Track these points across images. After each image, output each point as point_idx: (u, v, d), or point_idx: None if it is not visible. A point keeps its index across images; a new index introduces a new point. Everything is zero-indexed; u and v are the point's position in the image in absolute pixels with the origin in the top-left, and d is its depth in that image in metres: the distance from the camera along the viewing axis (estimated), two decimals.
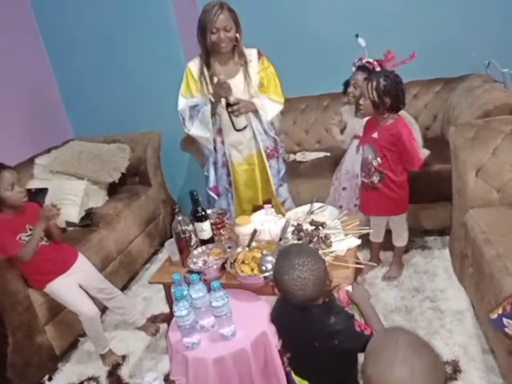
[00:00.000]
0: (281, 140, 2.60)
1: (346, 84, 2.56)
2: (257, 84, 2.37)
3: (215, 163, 2.48)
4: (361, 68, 2.47)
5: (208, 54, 2.27)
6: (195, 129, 2.34)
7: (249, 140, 2.41)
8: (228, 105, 2.25)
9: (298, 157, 3.25)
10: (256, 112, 2.36)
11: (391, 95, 2.10)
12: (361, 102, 2.21)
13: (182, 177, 3.57)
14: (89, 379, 2.22)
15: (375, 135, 2.23)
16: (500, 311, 1.39)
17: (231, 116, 2.28)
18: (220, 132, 2.41)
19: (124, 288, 2.86)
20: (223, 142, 2.43)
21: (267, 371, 1.77)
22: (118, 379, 2.18)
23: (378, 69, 2.38)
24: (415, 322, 2.17)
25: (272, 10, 3.29)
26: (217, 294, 1.64)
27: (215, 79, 2.26)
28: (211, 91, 2.29)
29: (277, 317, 1.47)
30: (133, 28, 3.25)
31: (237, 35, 2.24)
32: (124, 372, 2.22)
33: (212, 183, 2.53)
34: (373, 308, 1.48)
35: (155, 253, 3.21)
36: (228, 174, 2.50)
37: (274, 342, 1.83)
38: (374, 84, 2.11)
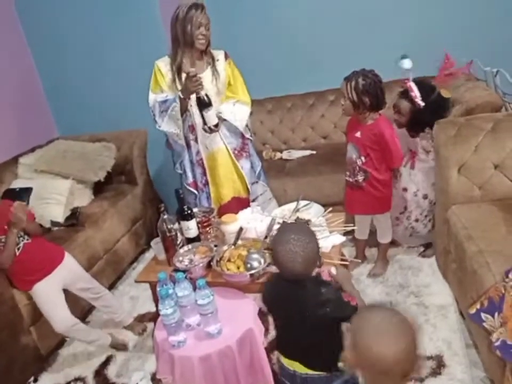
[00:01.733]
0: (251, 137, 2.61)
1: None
2: (225, 81, 2.41)
3: (191, 161, 2.49)
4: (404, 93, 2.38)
5: (183, 49, 2.30)
6: (165, 125, 2.35)
7: (214, 135, 2.41)
8: (198, 100, 2.25)
9: (285, 155, 3.27)
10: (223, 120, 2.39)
11: (370, 95, 2.12)
12: (341, 102, 2.22)
13: (169, 175, 3.55)
14: (76, 379, 2.21)
15: (357, 134, 2.25)
16: (478, 306, 1.42)
17: (202, 112, 2.28)
18: (192, 129, 2.41)
19: (111, 287, 2.84)
20: (196, 140, 2.43)
21: (253, 368, 1.79)
22: (105, 379, 2.17)
23: (417, 97, 2.28)
24: None
25: (255, 9, 3.29)
26: (203, 292, 1.64)
27: (184, 76, 2.28)
28: (179, 86, 2.30)
29: (270, 293, 1.53)
30: (119, 25, 3.22)
31: (209, 33, 2.32)
32: (110, 371, 2.21)
33: (190, 179, 2.52)
34: (354, 287, 1.57)
35: (142, 252, 3.20)
36: (204, 173, 2.50)
37: (261, 339, 1.85)
38: (353, 83, 2.12)
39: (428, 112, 2.26)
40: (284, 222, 1.78)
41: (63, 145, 3.21)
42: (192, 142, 2.44)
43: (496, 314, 1.37)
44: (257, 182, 2.62)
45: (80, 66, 3.43)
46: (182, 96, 2.27)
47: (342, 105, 2.22)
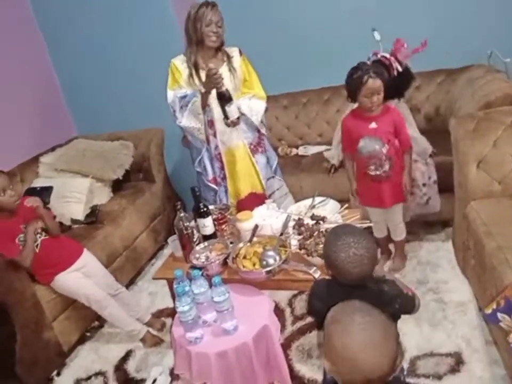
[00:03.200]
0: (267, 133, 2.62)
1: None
2: (241, 77, 2.42)
3: (209, 156, 2.51)
4: (377, 62, 2.37)
5: (196, 47, 2.31)
6: (186, 120, 2.37)
7: (231, 131, 2.43)
8: (220, 95, 2.26)
9: (300, 151, 3.26)
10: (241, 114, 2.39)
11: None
12: (374, 99, 2.13)
13: (186, 173, 3.58)
14: (97, 374, 2.26)
15: (372, 126, 2.22)
16: (494, 306, 1.38)
17: (225, 107, 2.28)
18: (211, 124, 2.43)
19: (130, 283, 2.90)
20: (215, 135, 2.45)
21: (269, 364, 1.80)
22: (125, 373, 2.22)
23: (395, 64, 2.31)
24: (418, 314, 2.14)
25: (267, 5, 3.27)
26: (219, 289, 1.66)
27: (201, 72, 2.30)
28: (198, 82, 2.33)
29: (324, 302, 1.37)
30: (133, 24, 3.26)
31: (223, 34, 2.34)
32: (130, 366, 2.26)
33: (210, 175, 2.54)
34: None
35: (160, 248, 3.24)
36: (222, 167, 2.52)
37: (277, 336, 1.86)
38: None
39: (400, 80, 2.25)
40: (333, 227, 1.60)
41: (82, 144, 3.27)
42: (211, 137, 2.46)
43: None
44: (273, 177, 2.62)
45: (96, 66, 3.48)
46: (203, 91, 2.29)
47: (374, 102, 2.14)
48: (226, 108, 2.28)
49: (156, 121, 3.36)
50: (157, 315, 2.56)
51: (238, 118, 2.35)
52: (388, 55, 2.34)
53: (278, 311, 2.36)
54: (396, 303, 1.33)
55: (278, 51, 3.34)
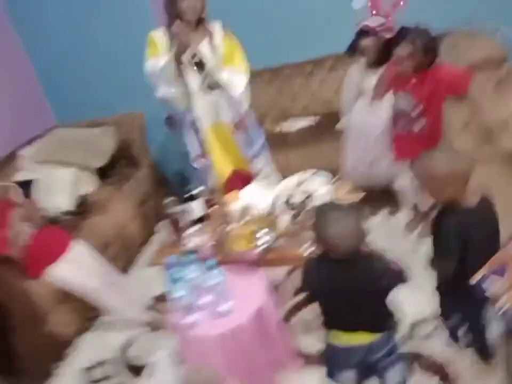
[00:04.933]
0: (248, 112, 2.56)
1: (353, 49, 2.45)
2: (223, 52, 2.38)
3: (194, 130, 2.47)
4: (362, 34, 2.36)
5: (173, 22, 2.25)
6: (164, 90, 2.34)
7: (215, 108, 2.40)
8: (197, 63, 2.25)
9: (285, 126, 3.21)
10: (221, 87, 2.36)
11: (433, 52, 2.07)
12: (406, 63, 2.10)
13: (173, 155, 3.53)
14: (100, 363, 2.26)
15: (412, 81, 2.16)
16: (480, 276, 1.37)
17: (202, 72, 2.28)
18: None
19: (125, 270, 2.87)
20: (192, 110, 2.41)
21: (269, 342, 1.82)
22: (127, 360, 2.23)
23: (380, 28, 2.28)
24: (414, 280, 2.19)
25: None
26: (213, 272, 1.66)
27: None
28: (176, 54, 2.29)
29: (316, 278, 1.45)
30: (106, 7, 3.16)
31: (203, 7, 2.28)
32: (132, 352, 2.26)
33: (195, 151, 2.51)
34: None
35: (153, 233, 3.21)
36: (204, 145, 2.49)
37: (276, 313, 1.88)
38: (419, 44, 2.04)
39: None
40: (320, 205, 1.66)
41: (63, 134, 3.19)
42: (190, 114, 2.43)
43: (500, 280, 1.32)
44: (258, 155, 2.59)
45: (71, 52, 3.37)
46: (176, 56, 2.26)
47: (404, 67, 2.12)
48: (204, 73, 2.27)
49: (137, 105, 3.28)
50: (159, 298, 2.54)
51: (216, 84, 2.32)
52: (369, 23, 2.29)
53: (276, 286, 2.37)
54: (385, 279, 1.38)
55: (258, 25, 3.24)
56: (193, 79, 2.33)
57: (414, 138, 2.23)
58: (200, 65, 2.29)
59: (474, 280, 1.30)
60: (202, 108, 2.41)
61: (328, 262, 1.39)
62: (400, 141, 2.34)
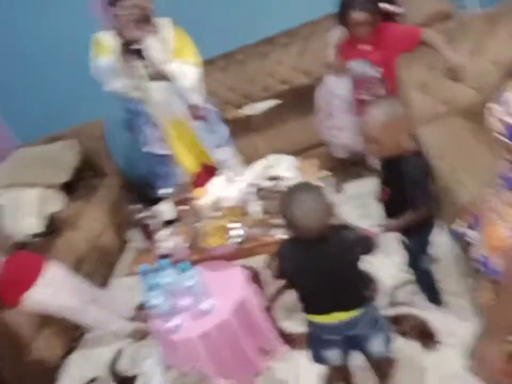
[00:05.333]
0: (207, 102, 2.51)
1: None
2: (173, 48, 2.31)
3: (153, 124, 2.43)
4: None
5: (119, 25, 2.20)
6: (113, 83, 2.29)
7: (168, 102, 2.35)
8: (138, 51, 2.20)
9: (248, 110, 3.16)
10: (171, 80, 2.30)
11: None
12: (360, 31, 2.10)
13: (137, 159, 3.47)
14: (91, 381, 2.23)
15: (366, 48, 2.16)
16: (461, 222, 1.41)
17: (146, 60, 2.23)
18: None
19: (105, 282, 2.83)
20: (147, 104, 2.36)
21: (255, 332, 1.81)
22: (119, 373, 2.20)
23: None
24: (389, 245, 2.19)
25: None
26: (188, 273, 1.64)
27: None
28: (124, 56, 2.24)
29: (290, 261, 1.43)
30: (47, 16, 3.05)
31: (147, 4, 2.21)
32: (123, 365, 2.23)
33: (157, 148, 2.46)
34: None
35: (128, 240, 3.16)
36: (166, 139, 2.44)
37: (258, 302, 1.86)
38: (371, 6, 2.04)
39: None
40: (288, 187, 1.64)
41: (23, 154, 3.11)
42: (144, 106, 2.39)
43: (477, 228, 1.36)
44: (223, 146, 2.54)
45: (21, 67, 3.27)
46: (120, 49, 2.22)
47: (362, 34, 2.11)
48: (147, 61, 2.21)
49: (95, 112, 3.19)
50: (139, 308, 2.52)
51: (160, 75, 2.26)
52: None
53: (255, 274, 2.36)
54: (357, 247, 1.38)
55: (204, 11, 3.17)
56: (140, 69, 2.28)
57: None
58: (140, 54, 2.23)
59: (454, 227, 1.34)
60: (157, 104, 2.35)
61: (300, 243, 1.38)
62: (363, 108, 2.31)
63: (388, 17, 2.21)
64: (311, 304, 1.47)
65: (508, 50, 1.94)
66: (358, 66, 2.19)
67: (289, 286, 2.10)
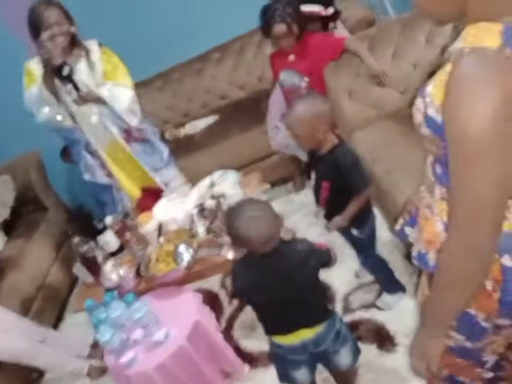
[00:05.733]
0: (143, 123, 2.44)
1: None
2: (102, 70, 2.26)
3: (90, 153, 2.37)
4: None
5: (45, 50, 2.12)
6: (43, 113, 2.22)
7: (102, 125, 2.30)
8: (61, 74, 2.14)
9: (188, 129, 3.14)
10: (104, 103, 2.25)
11: (303, 17, 2.09)
12: (283, 43, 2.12)
13: (80, 188, 3.35)
14: None
15: (290, 59, 2.18)
16: (401, 221, 1.44)
17: (68, 82, 2.17)
18: (73, 118, 2.28)
19: (57, 321, 2.71)
20: (81, 131, 2.30)
21: (214, 354, 1.79)
22: None
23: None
24: (341, 251, 2.22)
25: None
26: (135, 305, 1.60)
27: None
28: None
29: (245, 279, 1.38)
30: None
31: (71, 29, 2.16)
32: None
33: (98, 175, 2.40)
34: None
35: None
36: (104, 166, 2.38)
37: (213, 324, 1.84)
38: (289, 18, 2.04)
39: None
40: (229, 205, 1.67)
41: None
42: (79, 134, 2.32)
43: (415, 225, 1.40)
44: (165, 167, 2.51)
45: None
46: (45, 75, 2.15)
47: (284, 46, 2.13)
48: (74, 78, 2.16)
49: (30, 143, 3.06)
50: (95, 344, 2.42)
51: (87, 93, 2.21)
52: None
53: (212, 296, 2.34)
54: (311, 258, 1.35)
55: (136, 33, 3.13)
56: (67, 94, 2.21)
57: None
58: (68, 78, 2.17)
59: (397, 227, 1.35)
60: (90, 128, 2.29)
61: (252, 260, 1.35)
62: None
63: (324, 20, 2.25)
64: (272, 324, 1.43)
65: (427, 53, 2.04)
66: (286, 77, 2.23)
67: (245, 305, 2.11)
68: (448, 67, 0.76)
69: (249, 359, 1.92)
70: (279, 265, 1.33)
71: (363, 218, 1.71)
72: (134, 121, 2.32)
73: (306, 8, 2.19)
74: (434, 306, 0.90)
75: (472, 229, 0.76)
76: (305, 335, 1.39)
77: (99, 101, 2.23)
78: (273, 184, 2.67)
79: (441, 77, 0.77)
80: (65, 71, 2.14)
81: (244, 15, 2.63)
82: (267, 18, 2.08)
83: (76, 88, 2.19)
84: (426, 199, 0.98)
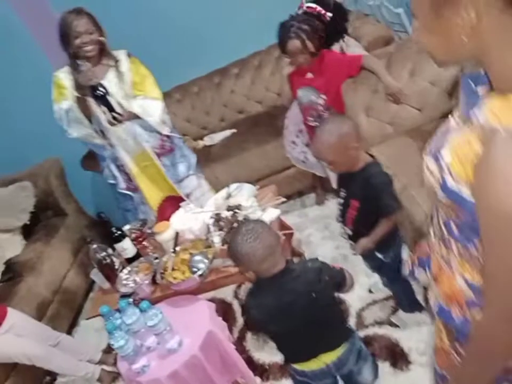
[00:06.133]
0: (172, 132, 2.50)
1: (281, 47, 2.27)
2: (131, 81, 2.30)
3: (117, 165, 2.42)
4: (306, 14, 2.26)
5: (74, 60, 2.17)
6: (75, 131, 2.28)
7: (133, 137, 2.34)
8: (97, 95, 2.18)
9: (207, 141, 3.19)
10: (136, 118, 2.30)
11: (321, 35, 2.09)
12: (299, 60, 2.13)
13: (99, 195, 3.41)
14: None
15: (309, 76, 2.20)
16: (410, 264, 1.38)
17: (104, 103, 2.22)
18: (103, 134, 2.32)
19: (72, 325, 2.75)
20: (111, 145, 2.34)
21: (226, 365, 1.79)
22: None
23: (323, 10, 2.22)
24: (354, 266, 2.23)
25: (132, 8, 3.12)
26: (149, 313, 1.61)
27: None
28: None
29: (262, 308, 1.33)
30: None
31: (101, 38, 2.20)
32: None
33: (122, 183, 2.45)
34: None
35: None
36: (130, 179, 2.43)
37: (225, 335, 1.85)
38: (304, 35, 2.05)
39: (334, 21, 2.21)
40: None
41: None
42: (108, 147, 2.36)
43: (427, 268, 1.34)
44: (190, 175, 2.54)
45: None
46: (78, 95, 2.19)
47: (300, 63, 2.14)
48: (108, 98, 2.20)
49: (51, 150, 3.14)
50: (107, 350, 2.45)
51: (120, 114, 2.25)
52: (312, 4, 2.24)
53: (225, 306, 2.35)
54: (324, 276, 1.32)
55: (156, 46, 3.21)
56: (101, 114, 2.25)
57: None
58: (103, 98, 2.22)
59: (405, 272, 1.30)
60: (120, 142, 2.32)
61: (266, 284, 1.31)
62: (313, 133, 2.37)
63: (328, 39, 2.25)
64: (293, 352, 1.39)
65: (444, 71, 2.05)
66: (304, 94, 2.26)
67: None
68: (472, 140, 0.70)
69: (261, 371, 1.92)
70: (291, 285, 1.29)
71: (389, 242, 1.65)
72: (165, 130, 2.38)
73: (307, 4, 2.23)
74: (468, 379, 0.88)
75: (509, 301, 0.74)
76: (328, 358, 1.36)
77: (132, 118, 2.28)
78: (289, 198, 2.69)
79: (464, 150, 0.71)
80: (100, 92, 2.19)
81: (263, 31, 2.69)
82: (282, 34, 2.12)
83: (111, 109, 2.23)
84: (440, 249, 0.93)
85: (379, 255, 1.68)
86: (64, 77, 2.25)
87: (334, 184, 2.40)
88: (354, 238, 1.67)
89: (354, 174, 1.54)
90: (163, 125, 2.39)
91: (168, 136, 2.45)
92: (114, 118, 2.25)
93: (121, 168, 2.42)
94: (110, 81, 2.25)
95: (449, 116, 0.84)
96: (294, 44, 2.07)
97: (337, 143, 1.46)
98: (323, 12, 2.21)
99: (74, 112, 2.22)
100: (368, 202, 1.53)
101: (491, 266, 0.75)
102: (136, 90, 2.33)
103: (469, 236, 0.79)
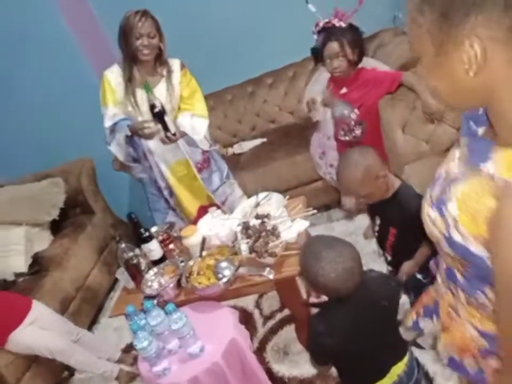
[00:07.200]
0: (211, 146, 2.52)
1: (317, 52, 2.28)
2: (179, 95, 2.32)
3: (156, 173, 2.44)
4: (324, 31, 2.25)
5: (130, 61, 2.20)
6: (113, 148, 2.32)
7: (168, 150, 2.35)
8: (156, 113, 2.17)
9: (236, 149, 3.21)
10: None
11: (361, 47, 2.11)
12: (335, 64, 2.13)
13: (127, 196, 3.46)
14: None
15: (343, 91, 2.21)
16: (414, 317, 1.34)
17: (162, 123, 2.20)
18: (145, 157, 2.37)
19: (92, 323, 2.78)
20: (151, 167, 2.39)
21: (246, 375, 1.77)
22: None
23: (338, 24, 2.20)
24: None
25: (172, 12, 3.17)
26: (174, 315, 1.60)
27: (138, 91, 2.22)
28: (132, 100, 2.23)
29: (335, 336, 1.23)
30: (32, 55, 3.07)
31: (160, 44, 2.21)
32: None
33: (157, 183, 2.47)
34: None
35: (117, 279, 3.11)
36: (167, 186, 2.45)
37: (247, 344, 1.83)
38: (346, 41, 2.07)
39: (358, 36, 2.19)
40: (304, 247, 1.38)
41: (8, 192, 3.08)
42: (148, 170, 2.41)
43: (434, 317, 1.20)
44: (224, 183, 2.57)
45: (8, 107, 3.25)
46: (129, 133, 2.23)
47: (336, 68, 2.14)
48: (166, 119, 2.18)
49: (84, 150, 3.21)
50: (126, 349, 2.46)
51: (175, 134, 2.24)
52: (328, 20, 2.22)
53: (247, 315, 2.34)
54: (389, 282, 1.34)
55: (193, 53, 3.25)
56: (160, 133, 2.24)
57: (357, 144, 2.26)
58: (159, 116, 2.18)
59: (408, 324, 1.26)
60: (162, 152, 2.35)
61: (338, 306, 1.22)
62: (344, 148, 2.36)
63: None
64: (368, 373, 1.30)
65: None
66: (338, 107, 2.25)
67: (279, 328, 2.06)
68: (483, 192, 0.68)
69: (281, 382, 1.89)
70: (366, 296, 1.23)
71: (428, 262, 1.62)
72: (206, 146, 2.41)
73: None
74: None
75: None
76: (399, 369, 1.30)
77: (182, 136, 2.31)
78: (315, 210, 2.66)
79: (473, 203, 0.70)
80: (157, 109, 2.16)
81: (298, 44, 2.70)
82: (324, 37, 2.11)
83: (166, 128, 2.21)
84: (448, 297, 0.92)
85: (418, 276, 1.63)
86: (114, 78, 2.23)
87: (346, 206, 2.51)
88: (393, 262, 1.65)
89: (387, 200, 1.50)
90: (205, 141, 2.42)
91: (208, 152, 2.48)
92: (167, 137, 2.23)
93: (159, 175, 2.44)
94: (160, 94, 2.24)
95: (450, 154, 0.83)
96: (334, 45, 2.08)
97: (366, 176, 1.41)
98: (338, 25, 2.18)
99: (119, 140, 2.26)
100: (406, 227, 1.47)
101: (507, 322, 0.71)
102: (184, 104, 2.34)
103: (477, 285, 0.76)
